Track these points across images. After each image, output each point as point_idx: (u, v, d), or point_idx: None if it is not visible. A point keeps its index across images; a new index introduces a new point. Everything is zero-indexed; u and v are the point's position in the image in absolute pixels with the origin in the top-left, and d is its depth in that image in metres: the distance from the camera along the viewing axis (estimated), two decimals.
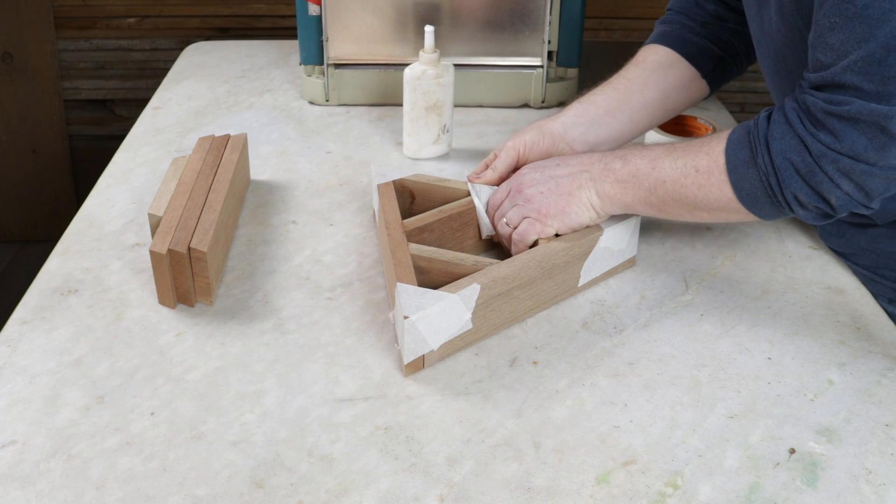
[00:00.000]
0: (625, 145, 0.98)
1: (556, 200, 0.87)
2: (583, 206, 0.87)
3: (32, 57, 2.20)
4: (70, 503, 0.66)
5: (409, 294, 0.78)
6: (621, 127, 0.99)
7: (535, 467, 0.69)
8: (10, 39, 2.18)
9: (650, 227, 1.01)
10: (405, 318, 0.75)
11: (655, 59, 1.02)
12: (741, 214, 0.82)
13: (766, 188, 0.78)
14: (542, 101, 1.32)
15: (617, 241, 0.90)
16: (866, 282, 0.93)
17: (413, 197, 0.98)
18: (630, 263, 0.94)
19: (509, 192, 0.91)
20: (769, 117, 0.79)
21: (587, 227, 0.89)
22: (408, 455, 0.70)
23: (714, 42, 1.03)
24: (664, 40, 1.04)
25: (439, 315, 0.77)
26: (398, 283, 0.79)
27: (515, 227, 0.89)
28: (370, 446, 0.71)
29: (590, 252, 0.88)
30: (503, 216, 0.90)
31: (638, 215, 0.91)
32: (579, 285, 0.89)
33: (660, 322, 0.86)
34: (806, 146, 0.75)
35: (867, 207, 0.77)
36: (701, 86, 1.04)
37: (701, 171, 0.81)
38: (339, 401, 0.76)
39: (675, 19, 1.05)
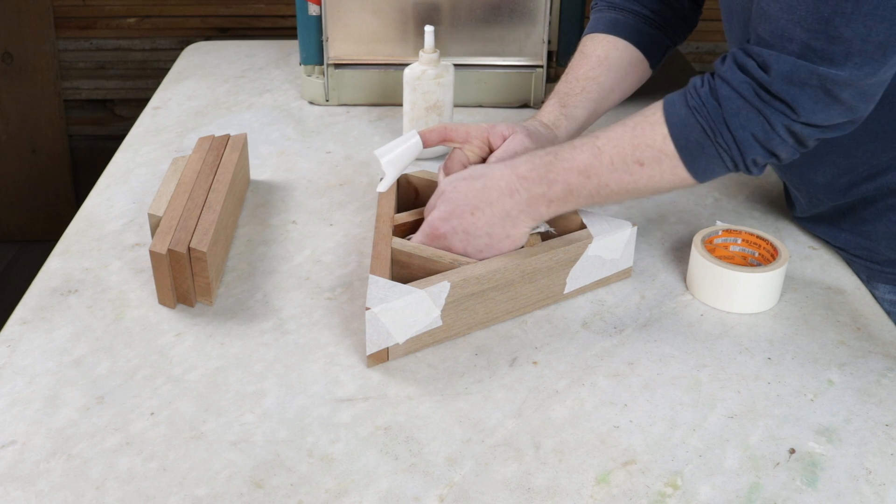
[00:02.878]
0: (536, 151, 0.90)
1: (499, 248, 0.85)
2: (524, 236, 0.85)
3: (32, 57, 2.20)
4: (70, 503, 0.66)
5: (378, 286, 0.79)
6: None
7: (535, 467, 0.69)
8: (10, 39, 2.18)
9: (650, 228, 1.01)
10: (367, 309, 0.76)
11: (617, 57, 1.01)
12: (685, 186, 0.83)
13: (726, 161, 0.79)
14: (542, 101, 1.32)
15: (609, 251, 0.89)
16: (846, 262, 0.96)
17: (417, 192, 0.99)
18: (625, 275, 0.92)
19: (435, 243, 0.86)
20: (714, 94, 0.78)
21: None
22: (408, 455, 0.70)
23: (664, 30, 1.03)
24: (621, 32, 1.02)
25: (404, 309, 0.78)
26: (370, 275, 0.80)
27: None
28: (370, 446, 0.71)
29: (577, 259, 0.87)
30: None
31: (634, 225, 0.90)
32: (565, 292, 0.89)
33: (660, 322, 0.86)
34: (765, 118, 0.76)
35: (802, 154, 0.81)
36: (647, 74, 1.05)
37: (647, 163, 0.81)
38: (339, 401, 0.76)
39: (625, 5, 1.03)
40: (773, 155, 0.79)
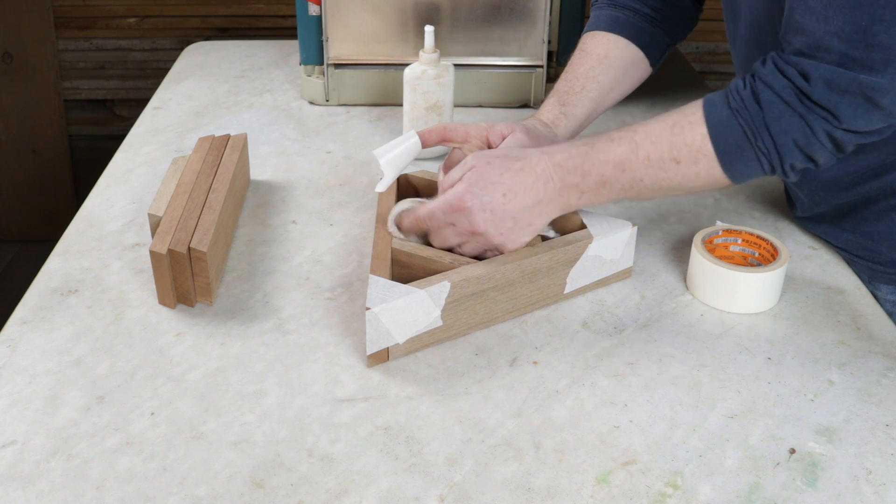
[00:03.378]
0: (571, 140, 0.92)
1: (519, 236, 0.84)
2: (544, 226, 0.86)
3: (32, 57, 2.20)
4: (70, 503, 0.66)
5: (378, 286, 0.79)
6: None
7: (535, 467, 0.69)
8: (10, 39, 2.18)
9: (650, 229, 1.01)
10: (367, 309, 0.76)
11: (617, 55, 1.01)
12: (718, 186, 0.83)
13: (764, 165, 0.79)
14: (543, 101, 1.32)
15: (609, 251, 0.89)
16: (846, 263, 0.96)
17: (417, 192, 0.99)
18: (626, 274, 0.92)
19: (453, 225, 0.84)
20: (756, 98, 0.78)
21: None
22: (408, 455, 0.70)
23: (664, 28, 1.03)
24: (621, 30, 1.02)
25: (404, 309, 0.78)
26: (370, 275, 0.80)
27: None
28: (370, 446, 0.71)
29: (577, 259, 0.87)
30: (443, 246, 0.86)
31: (635, 225, 0.90)
32: (565, 292, 0.89)
33: (660, 322, 0.86)
34: (807, 123, 0.76)
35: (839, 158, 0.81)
36: (647, 72, 1.05)
37: (684, 162, 0.81)
38: (339, 401, 0.76)
39: (626, 3, 1.03)
40: (812, 160, 0.79)
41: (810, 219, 0.99)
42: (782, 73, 0.77)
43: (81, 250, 0.96)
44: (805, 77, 0.75)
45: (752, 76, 0.79)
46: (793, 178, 0.81)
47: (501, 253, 0.85)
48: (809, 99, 0.76)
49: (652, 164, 0.81)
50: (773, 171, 0.80)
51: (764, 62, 0.79)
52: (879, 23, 0.70)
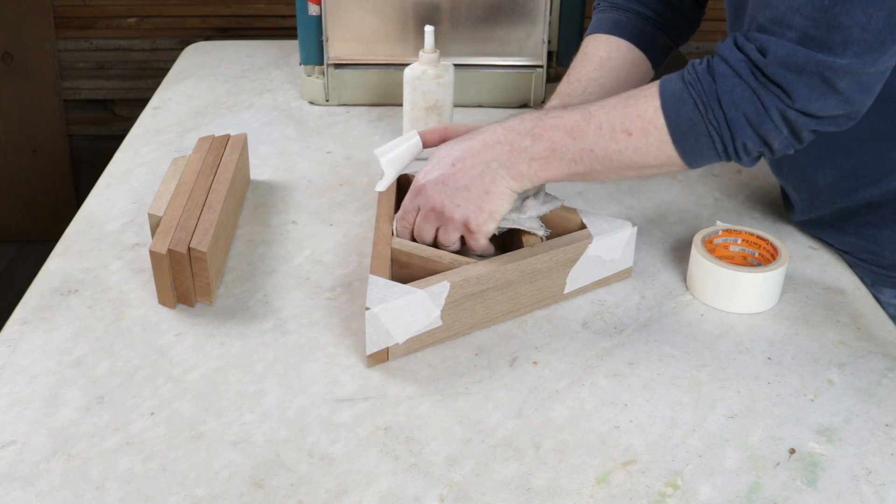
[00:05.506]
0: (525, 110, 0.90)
1: (478, 206, 0.83)
2: (504, 197, 0.84)
3: (32, 57, 2.20)
4: (70, 503, 0.66)
5: (378, 286, 0.79)
6: None
7: (535, 467, 0.69)
8: (10, 39, 2.18)
9: (650, 228, 1.01)
10: (367, 309, 0.76)
11: (619, 58, 1.01)
12: (672, 168, 0.81)
13: (716, 142, 0.78)
14: (543, 102, 1.32)
15: (609, 251, 0.89)
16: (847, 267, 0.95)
17: None
18: (626, 275, 0.92)
19: (418, 210, 0.86)
20: (710, 71, 0.77)
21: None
22: (408, 455, 0.70)
23: (666, 31, 1.03)
24: (623, 32, 1.01)
25: (404, 309, 0.78)
26: (370, 275, 0.80)
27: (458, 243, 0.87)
28: (370, 446, 0.71)
29: (577, 259, 0.87)
30: (425, 239, 0.87)
31: (635, 225, 0.90)
32: (565, 292, 0.89)
33: (660, 322, 0.86)
34: (759, 98, 0.75)
35: (796, 149, 0.79)
36: (650, 74, 1.04)
37: (635, 133, 0.79)
38: (339, 401, 0.76)
39: (627, 6, 1.03)
40: (766, 143, 0.77)
41: (812, 222, 0.99)
42: (740, 48, 0.76)
43: (81, 250, 0.96)
44: (763, 52, 0.74)
45: (712, 55, 0.79)
46: (746, 162, 0.79)
47: (472, 233, 0.84)
48: (763, 74, 0.74)
49: (603, 134, 0.80)
50: (725, 150, 0.78)
51: (724, 40, 0.79)
52: (841, 4, 0.69)
